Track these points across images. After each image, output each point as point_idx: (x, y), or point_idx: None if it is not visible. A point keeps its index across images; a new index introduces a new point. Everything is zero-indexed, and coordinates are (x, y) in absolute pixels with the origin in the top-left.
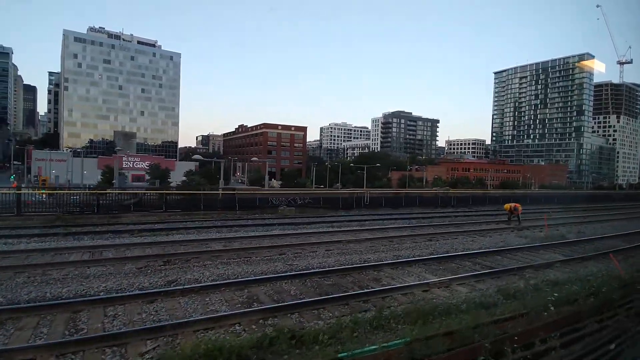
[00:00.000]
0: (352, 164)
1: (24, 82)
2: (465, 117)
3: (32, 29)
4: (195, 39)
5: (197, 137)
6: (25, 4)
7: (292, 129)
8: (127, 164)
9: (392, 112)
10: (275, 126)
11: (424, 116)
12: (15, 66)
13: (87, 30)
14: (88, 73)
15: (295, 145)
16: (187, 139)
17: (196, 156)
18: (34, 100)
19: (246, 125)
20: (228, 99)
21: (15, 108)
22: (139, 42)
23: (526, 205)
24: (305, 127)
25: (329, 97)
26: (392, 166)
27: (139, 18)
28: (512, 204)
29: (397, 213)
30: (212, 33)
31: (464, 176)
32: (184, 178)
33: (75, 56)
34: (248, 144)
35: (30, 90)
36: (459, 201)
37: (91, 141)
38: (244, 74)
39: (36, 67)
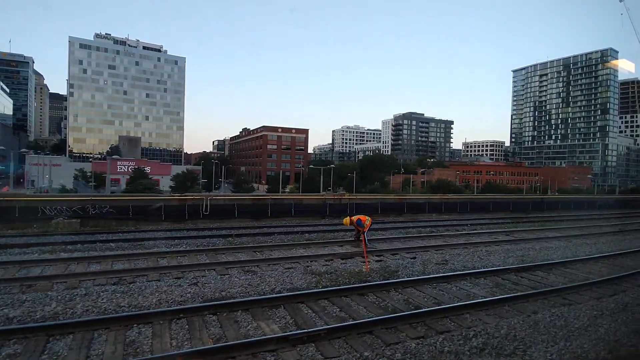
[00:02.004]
0: (348, 167)
1: (54, 91)
2: (483, 119)
3: (59, 39)
4: (210, 43)
5: (213, 142)
6: (54, 16)
7: (293, 131)
8: (121, 168)
9: (403, 114)
10: (275, 129)
11: (438, 117)
12: (41, 75)
13: (94, 37)
14: (93, 79)
15: (298, 148)
16: (204, 144)
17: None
18: (63, 108)
19: (249, 129)
20: (245, 103)
21: (41, 116)
22: (144, 47)
23: (509, 213)
24: (307, 130)
25: (343, 100)
26: (395, 169)
27: (148, 24)
28: (355, 217)
29: (234, 228)
30: (225, 36)
31: (475, 179)
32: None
33: (81, 62)
34: (249, 148)
35: (59, 99)
36: (360, 210)
37: (111, 147)
38: (259, 77)
39: (65, 75)
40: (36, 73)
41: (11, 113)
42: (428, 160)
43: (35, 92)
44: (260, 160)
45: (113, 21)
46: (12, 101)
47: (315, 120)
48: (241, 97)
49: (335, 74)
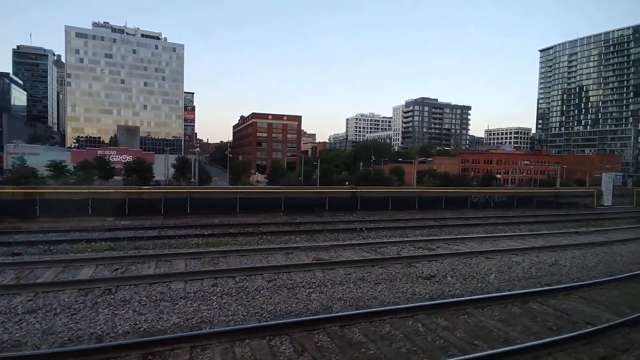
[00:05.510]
0: (341, 156)
1: None
2: (510, 104)
3: None
4: (226, 28)
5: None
6: (77, 8)
7: (285, 118)
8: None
9: (414, 99)
10: (265, 116)
11: (454, 103)
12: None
13: (92, 25)
14: (90, 68)
15: (290, 136)
16: (222, 134)
17: None
18: None
19: (244, 116)
20: (265, 92)
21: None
22: (143, 35)
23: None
24: (300, 116)
25: (360, 87)
26: (391, 157)
27: (154, 13)
28: None
29: None
30: (240, 20)
31: (486, 169)
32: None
33: (77, 51)
34: (243, 136)
35: None
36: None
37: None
38: (278, 64)
39: None
40: (63, 65)
41: (25, 104)
42: (431, 148)
43: (62, 84)
44: (251, 149)
45: (116, 10)
46: (25, 93)
47: (333, 107)
48: (261, 86)
49: (353, 60)
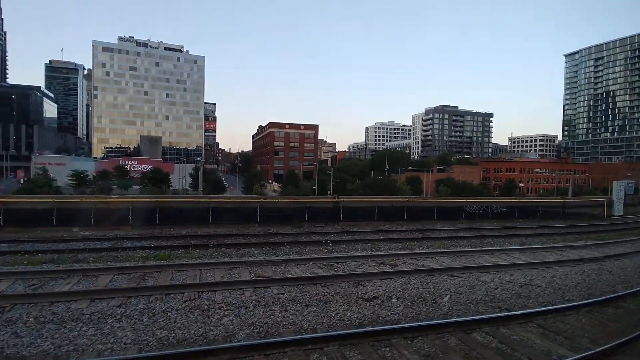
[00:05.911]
0: (358, 165)
1: None
2: (534, 111)
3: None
4: (248, 37)
5: None
6: (106, 22)
7: (302, 127)
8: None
9: (434, 107)
10: (282, 125)
11: (475, 110)
12: None
13: (117, 40)
14: (115, 81)
15: (307, 145)
16: (244, 144)
17: None
18: None
19: (262, 125)
20: (284, 100)
21: None
22: (165, 48)
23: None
24: (317, 125)
25: (380, 96)
26: (408, 166)
27: (173, 26)
28: None
29: None
30: (261, 30)
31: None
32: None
33: (104, 65)
34: (261, 145)
35: None
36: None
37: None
38: (297, 74)
39: None
40: None
41: (55, 116)
42: (450, 157)
43: (91, 97)
44: (268, 158)
45: (139, 24)
46: (56, 106)
47: (354, 116)
48: (283, 95)
49: (373, 68)
